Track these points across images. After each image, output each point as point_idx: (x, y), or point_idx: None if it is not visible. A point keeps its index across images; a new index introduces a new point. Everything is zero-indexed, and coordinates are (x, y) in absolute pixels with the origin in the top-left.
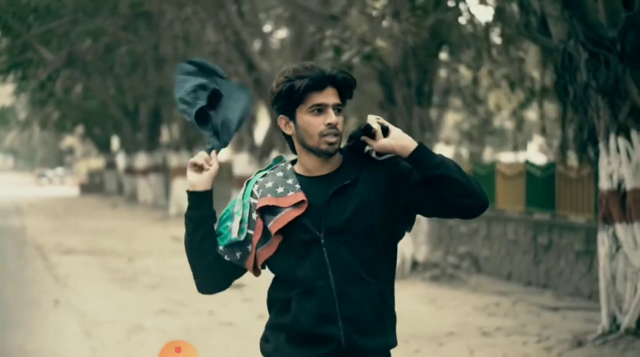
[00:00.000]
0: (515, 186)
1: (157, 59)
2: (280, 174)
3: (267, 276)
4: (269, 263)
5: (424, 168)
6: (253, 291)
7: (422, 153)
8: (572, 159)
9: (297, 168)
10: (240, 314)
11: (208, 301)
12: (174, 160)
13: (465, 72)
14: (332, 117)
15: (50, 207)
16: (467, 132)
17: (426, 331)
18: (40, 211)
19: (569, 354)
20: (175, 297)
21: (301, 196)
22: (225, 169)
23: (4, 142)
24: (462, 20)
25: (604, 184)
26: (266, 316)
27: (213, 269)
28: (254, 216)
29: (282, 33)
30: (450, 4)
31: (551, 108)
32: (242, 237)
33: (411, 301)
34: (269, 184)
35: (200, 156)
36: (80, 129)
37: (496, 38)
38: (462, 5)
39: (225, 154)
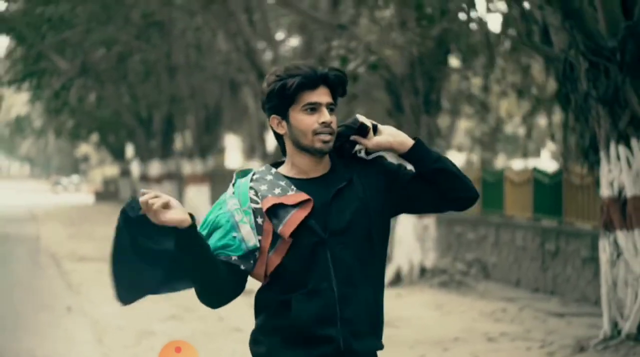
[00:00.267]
0: (523, 192)
1: (169, 67)
2: (269, 177)
3: None
4: (275, 267)
5: (423, 162)
6: None
7: (421, 148)
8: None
9: (286, 171)
10: (248, 320)
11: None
12: (187, 167)
13: (475, 80)
14: (326, 116)
15: (65, 215)
16: (479, 138)
17: (432, 336)
18: (55, 218)
19: None
20: (185, 303)
21: (305, 195)
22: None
23: (20, 150)
24: (473, 27)
25: (605, 192)
26: None
27: (226, 281)
28: (259, 220)
29: (294, 41)
30: (460, 15)
31: (559, 115)
32: (257, 244)
33: (418, 307)
34: (264, 187)
35: (149, 198)
36: (95, 137)
37: (505, 45)
38: (472, 13)
39: (238, 160)
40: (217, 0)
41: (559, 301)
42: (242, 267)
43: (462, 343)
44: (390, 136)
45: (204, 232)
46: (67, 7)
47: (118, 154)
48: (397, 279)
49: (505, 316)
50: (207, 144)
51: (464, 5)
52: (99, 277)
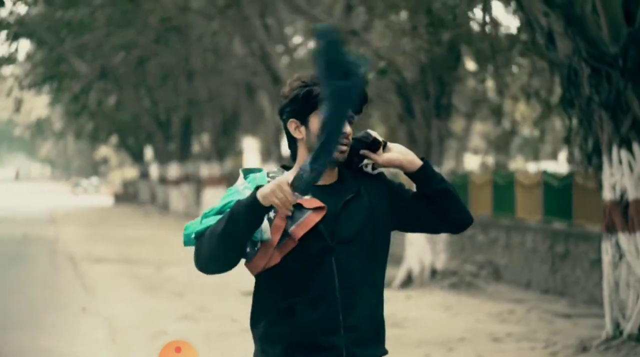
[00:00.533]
0: (534, 195)
1: (187, 71)
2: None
3: None
4: (275, 268)
5: (430, 182)
6: None
7: (429, 168)
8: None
9: None
10: None
11: (229, 307)
12: (204, 170)
13: (490, 83)
14: (346, 126)
15: (84, 217)
16: (493, 141)
17: (437, 336)
18: (74, 220)
19: None
20: (199, 304)
21: (319, 202)
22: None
23: (40, 152)
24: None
25: (607, 195)
26: None
27: (230, 258)
28: (271, 214)
29: (311, 44)
30: (473, 18)
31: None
32: (270, 237)
33: (427, 308)
34: None
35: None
36: (114, 139)
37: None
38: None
39: (256, 163)
40: (232, 6)
41: (567, 303)
42: (248, 249)
43: (467, 343)
44: (401, 154)
45: (220, 215)
46: (86, 12)
47: (137, 157)
48: (408, 281)
49: (512, 317)
50: (225, 147)
51: (477, 9)
52: (115, 278)
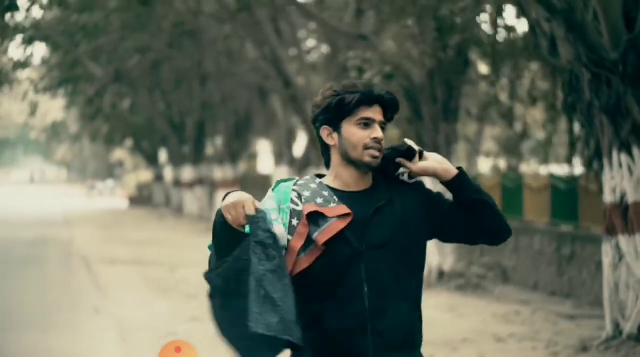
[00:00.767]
0: (541, 198)
1: (201, 75)
2: (313, 185)
3: None
4: (304, 274)
5: (465, 192)
6: None
7: (465, 177)
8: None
9: (330, 182)
10: None
11: None
12: (218, 173)
13: (501, 87)
14: (378, 132)
15: (99, 219)
16: (505, 145)
17: (442, 337)
18: (89, 222)
19: None
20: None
21: (346, 208)
22: (264, 181)
23: (56, 155)
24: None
25: (608, 198)
26: None
27: None
28: (294, 221)
29: (325, 48)
30: (483, 22)
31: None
32: (286, 244)
33: (433, 309)
34: (307, 193)
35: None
36: (129, 142)
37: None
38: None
39: (266, 166)
40: (244, 10)
41: (573, 304)
42: None
43: (471, 344)
44: (437, 163)
45: None
46: (101, 16)
47: (152, 160)
48: None
49: (517, 318)
50: (238, 150)
51: (485, 14)
52: (128, 279)
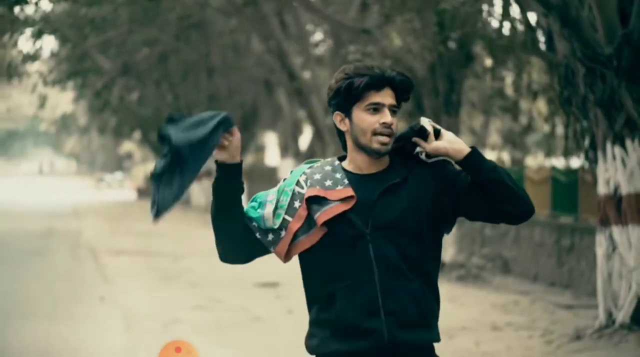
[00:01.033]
0: (542, 190)
1: (208, 67)
2: (328, 168)
3: (298, 271)
4: (312, 256)
5: (477, 172)
6: (286, 289)
7: (476, 157)
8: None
9: (346, 165)
10: (271, 310)
11: (242, 298)
12: None
13: (507, 79)
14: (387, 116)
15: (107, 211)
16: (509, 137)
17: (440, 325)
18: (97, 214)
19: (567, 346)
20: (213, 294)
21: (350, 191)
22: (271, 173)
23: (65, 147)
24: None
25: (602, 189)
26: (296, 311)
27: (238, 239)
28: (296, 204)
29: (330, 41)
30: (483, 14)
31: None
32: (277, 223)
33: None
34: (317, 176)
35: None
36: (137, 134)
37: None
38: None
39: (273, 159)
40: (250, 4)
41: (571, 294)
42: (257, 235)
43: (468, 332)
44: (448, 143)
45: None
46: (109, 9)
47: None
48: None
49: (515, 308)
50: (244, 143)
51: (486, 7)
52: (133, 269)
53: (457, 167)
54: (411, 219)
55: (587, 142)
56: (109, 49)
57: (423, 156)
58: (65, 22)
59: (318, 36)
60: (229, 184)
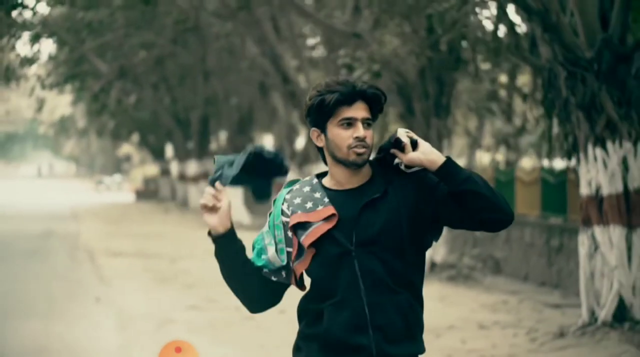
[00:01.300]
0: (532, 191)
1: (204, 70)
2: (307, 188)
3: None
4: (308, 275)
5: (451, 182)
6: None
7: (450, 168)
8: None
9: (326, 182)
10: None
11: (236, 299)
12: None
13: (501, 81)
14: (360, 131)
15: (105, 213)
16: (503, 139)
17: (428, 324)
18: (95, 216)
19: (551, 343)
20: (208, 295)
21: (331, 210)
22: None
23: (64, 150)
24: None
25: (584, 190)
26: (288, 311)
27: (261, 291)
28: (289, 233)
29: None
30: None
31: None
32: (285, 259)
33: (424, 299)
34: (297, 201)
35: (207, 195)
36: (135, 137)
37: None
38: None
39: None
40: (244, 8)
41: (560, 294)
42: (273, 278)
43: (455, 330)
44: (423, 154)
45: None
46: (106, 13)
47: (158, 154)
48: None
49: (503, 307)
50: (241, 145)
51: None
52: (130, 271)
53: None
54: (392, 233)
55: (569, 144)
56: (106, 53)
57: (402, 167)
58: (63, 26)
59: (315, 39)
60: (230, 250)
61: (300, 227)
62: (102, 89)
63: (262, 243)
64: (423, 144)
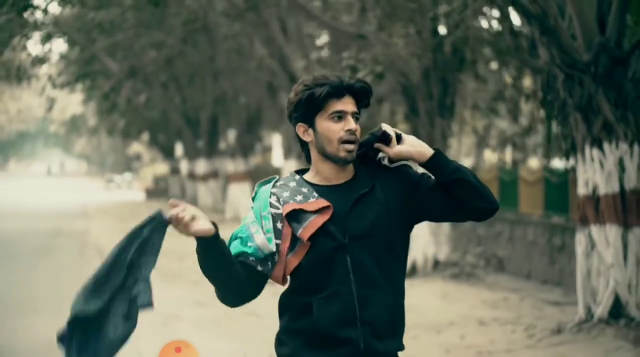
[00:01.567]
0: (535, 191)
1: (213, 70)
2: (292, 183)
3: None
4: (295, 270)
5: (442, 173)
6: (281, 287)
7: (440, 158)
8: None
9: (311, 177)
10: (268, 306)
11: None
12: (230, 166)
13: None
14: (351, 123)
15: (115, 211)
16: (510, 139)
17: (429, 321)
18: (105, 214)
19: (548, 339)
20: (213, 291)
21: (325, 202)
22: (276, 173)
23: (75, 148)
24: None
25: (581, 190)
26: None
27: (245, 282)
28: (279, 225)
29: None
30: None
31: None
32: (274, 248)
33: (426, 296)
34: (286, 194)
35: (180, 212)
36: (145, 136)
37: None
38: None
39: (279, 159)
40: (251, 10)
41: (561, 292)
42: (259, 267)
43: (455, 327)
44: (411, 146)
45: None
46: (116, 13)
47: (168, 153)
48: (413, 271)
49: (504, 305)
50: (249, 144)
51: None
52: None
53: (419, 170)
54: (383, 227)
55: (568, 144)
56: (117, 52)
57: (385, 161)
58: (74, 26)
59: (324, 39)
60: (219, 245)
61: (294, 218)
62: (113, 88)
63: (247, 232)
64: (409, 137)
